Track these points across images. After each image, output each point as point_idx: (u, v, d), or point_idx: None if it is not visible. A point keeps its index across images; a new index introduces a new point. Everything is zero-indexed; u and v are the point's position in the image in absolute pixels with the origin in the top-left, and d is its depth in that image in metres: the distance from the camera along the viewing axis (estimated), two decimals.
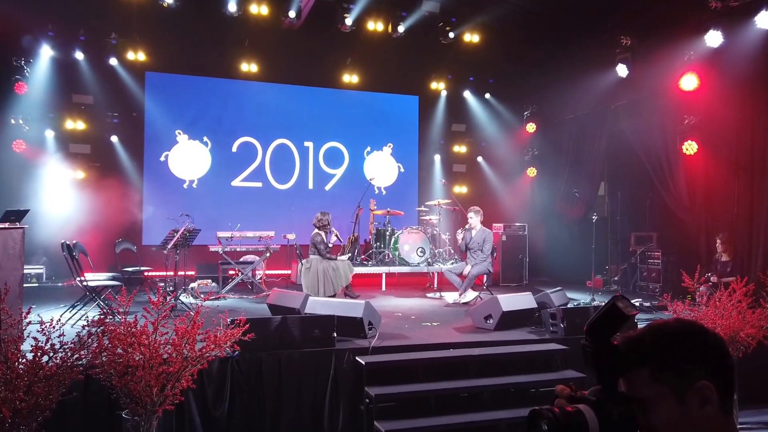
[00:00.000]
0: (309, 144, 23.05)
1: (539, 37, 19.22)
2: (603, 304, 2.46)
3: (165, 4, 17.49)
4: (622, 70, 17.35)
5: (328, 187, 23.25)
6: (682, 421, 2.25)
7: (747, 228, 15.25)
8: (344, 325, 10.59)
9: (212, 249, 17.51)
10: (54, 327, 6.95)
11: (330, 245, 15.62)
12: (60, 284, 17.93)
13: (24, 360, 6.77)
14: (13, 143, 18.30)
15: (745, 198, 15.32)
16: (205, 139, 21.49)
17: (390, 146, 23.96)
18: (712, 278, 14.27)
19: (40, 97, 18.68)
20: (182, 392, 7.55)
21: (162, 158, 20.98)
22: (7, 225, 10.38)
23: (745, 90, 14.99)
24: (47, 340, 6.81)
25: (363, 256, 19.25)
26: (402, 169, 24.16)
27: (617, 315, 2.29)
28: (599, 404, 2.26)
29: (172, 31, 19.30)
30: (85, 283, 12.75)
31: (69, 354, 6.98)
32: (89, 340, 7.22)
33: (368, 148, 23.76)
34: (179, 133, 21.19)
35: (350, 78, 22.45)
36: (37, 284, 17.92)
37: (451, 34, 19.94)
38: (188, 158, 21.37)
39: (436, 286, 18.39)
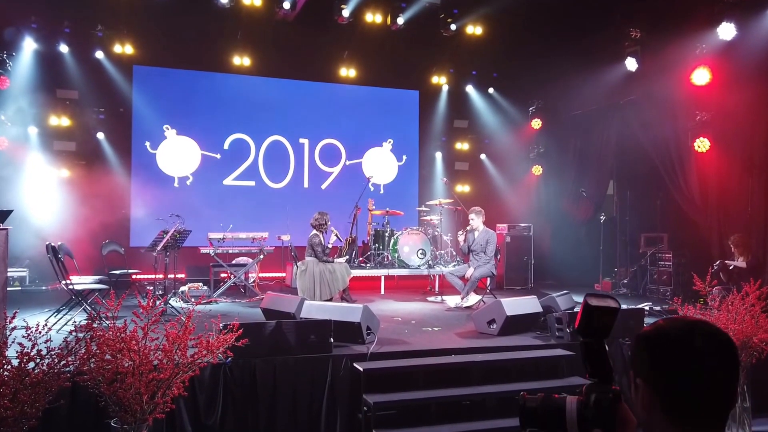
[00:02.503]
0: (304, 141, 23.05)
1: (545, 29, 19.28)
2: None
3: None
4: (631, 63, 17.42)
5: (324, 186, 23.25)
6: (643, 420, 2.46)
7: (762, 228, 15.27)
8: (341, 330, 10.62)
9: (203, 251, 17.49)
10: (40, 332, 7.00)
11: (329, 246, 15.71)
12: (44, 288, 17.93)
13: (9, 366, 6.79)
14: None
15: (759, 197, 15.34)
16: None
17: (390, 142, 23.97)
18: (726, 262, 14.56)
19: (23, 92, 18.64)
20: (173, 400, 7.59)
21: (153, 150, 21.00)
22: None
23: (760, 84, 15.02)
24: (33, 346, 6.83)
25: (361, 258, 19.27)
26: (401, 161, 24.20)
27: (591, 311, 2.46)
28: (585, 393, 2.42)
29: (161, 23, 19.35)
30: (70, 287, 12.79)
31: (56, 360, 7.02)
32: (77, 345, 7.26)
33: (367, 145, 23.85)
34: (167, 128, 21.20)
35: (347, 72, 22.44)
36: (20, 288, 17.86)
37: (453, 26, 19.99)
38: (177, 154, 21.37)
39: (437, 289, 18.46)
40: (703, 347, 2.38)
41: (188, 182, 21.33)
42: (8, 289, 11.49)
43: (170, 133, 21.26)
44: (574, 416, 2.50)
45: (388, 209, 19.58)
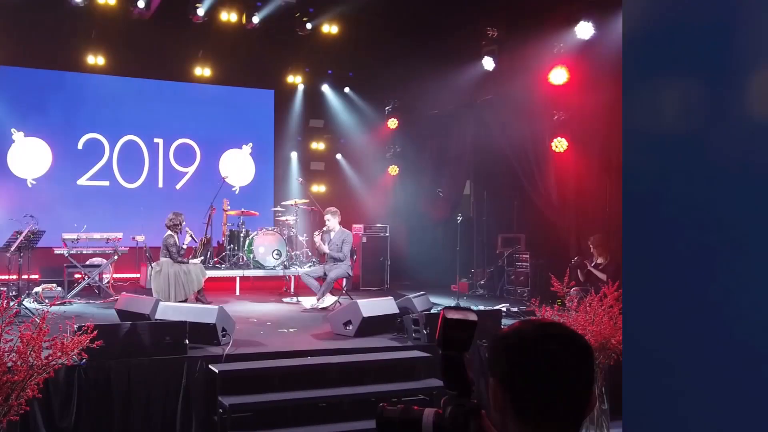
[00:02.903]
0: (159, 141, 22.81)
1: (401, 27, 19.39)
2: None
3: None
4: (488, 63, 17.60)
5: (179, 186, 23.07)
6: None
7: (619, 229, 15.51)
8: (197, 332, 10.61)
9: (57, 251, 17.24)
10: None
11: (184, 246, 15.66)
12: None
13: None
14: None
15: (617, 198, 15.53)
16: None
17: (250, 146, 23.89)
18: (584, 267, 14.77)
19: None
20: (27, 402, 7.53)
21: (2, 154, 20.55)
22: None
23: (618, 84, 15.12)
24: None
25: (216, 259, 19.26)
26: (257, 161, 24.21)
27: (448, 324, 2.52)
28: (442, 405, 2.53)
29: (10, 21, 18.81)
30: None
31: None
32: None
33: (224, 146, 23.72)
34: (14, 132, 20.72)
35: (202, 71, 22.28)
36: None
37: (309, 25, 19.95)
38: (28, 156, 20.88)
39: (293, 290, 18.47)
40: (556, 350, 2.40)
41: (33, 181, 20.85)
42: None
43: (18, 135, 20.79)
44: (431, 428, 2.54)
45: (243, 209, 19.61)
